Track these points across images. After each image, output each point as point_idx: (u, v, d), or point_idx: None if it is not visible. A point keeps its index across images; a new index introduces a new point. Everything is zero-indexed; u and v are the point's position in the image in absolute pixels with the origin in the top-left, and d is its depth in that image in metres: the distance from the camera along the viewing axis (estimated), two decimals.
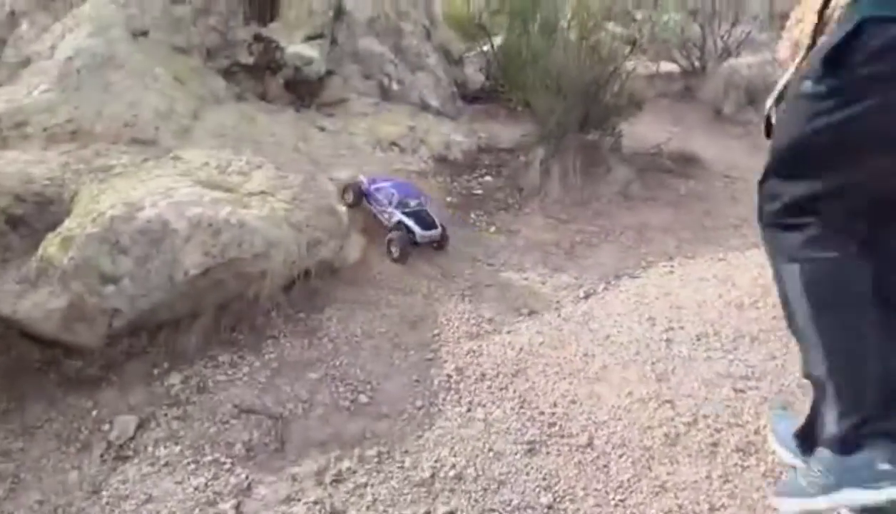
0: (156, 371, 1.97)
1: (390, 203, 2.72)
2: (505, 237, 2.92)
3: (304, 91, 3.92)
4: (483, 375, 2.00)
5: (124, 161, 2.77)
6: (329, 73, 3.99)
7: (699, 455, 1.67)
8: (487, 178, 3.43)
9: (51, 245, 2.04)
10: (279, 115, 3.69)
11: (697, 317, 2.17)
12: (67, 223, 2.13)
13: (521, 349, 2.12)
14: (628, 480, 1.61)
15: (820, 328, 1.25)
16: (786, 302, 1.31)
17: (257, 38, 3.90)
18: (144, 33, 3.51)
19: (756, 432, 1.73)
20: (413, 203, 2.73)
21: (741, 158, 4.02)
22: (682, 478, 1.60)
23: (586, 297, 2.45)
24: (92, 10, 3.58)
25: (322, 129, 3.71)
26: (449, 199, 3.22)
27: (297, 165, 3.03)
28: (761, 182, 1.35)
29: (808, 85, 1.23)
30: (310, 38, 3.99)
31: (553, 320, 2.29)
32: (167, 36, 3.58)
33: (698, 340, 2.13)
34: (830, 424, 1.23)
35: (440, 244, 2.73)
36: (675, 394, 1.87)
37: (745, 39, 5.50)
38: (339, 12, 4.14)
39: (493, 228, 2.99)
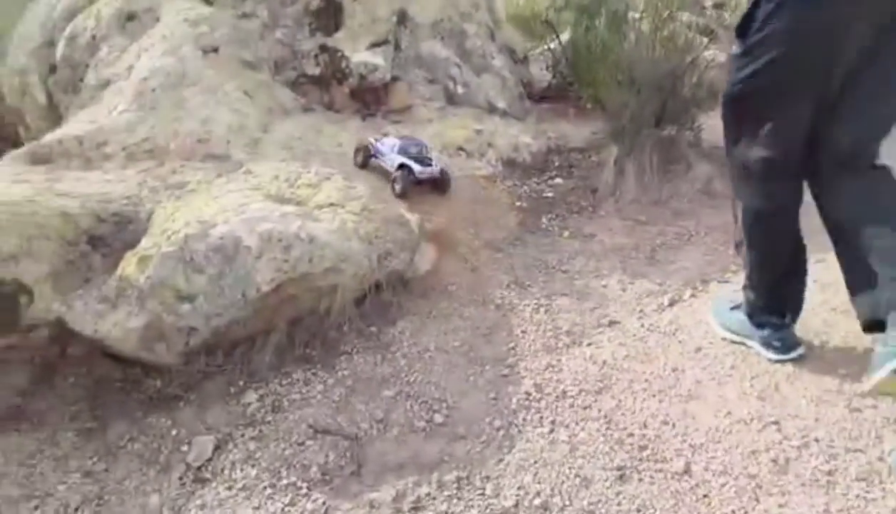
0: (232, 390, 1.96)
1: (392, 151, 2.94)
2: (580, 242, 2.79)
3: (370, 99, 3.90)
4: (564, 392, 1.88)
5: (199, 177, 2.81)
6: (394, 79, 3.95)
7: (814, 485, 1.49)
8: (558, 180, 3.30)
9: (129, 265, 2.07)
10: (346, 124, 3.68)
11: (800, 325, 1.97)
12: (144, 242, 2.16)
13: (603, 364, 1.99)
14: (733, 512, 1.46)
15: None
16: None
17: (323, 48, 3.92)
18: (215, 50, 3.58)
19: (879, 458, 1.54)
20: (413, 150, 2.92)
21: None
22: (796, 511, 1.44)
23: (671, 304, 2.28)
24: (165, 29, 3.68)
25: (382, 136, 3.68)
26: (519, 203, 3.10)
27: (364, 175, 3.00)
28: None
29: (733, 49, 1.66)
30: (374, 46, 3.96)
31: (637, 331, 2.14)
32: (236, 51, 3.64)
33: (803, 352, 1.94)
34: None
35: (440, 186, 2.93)
36: (781, 414, 1.70)
37: None
38: (403, 18, 4.10)
39: (566, 233, 2.86)
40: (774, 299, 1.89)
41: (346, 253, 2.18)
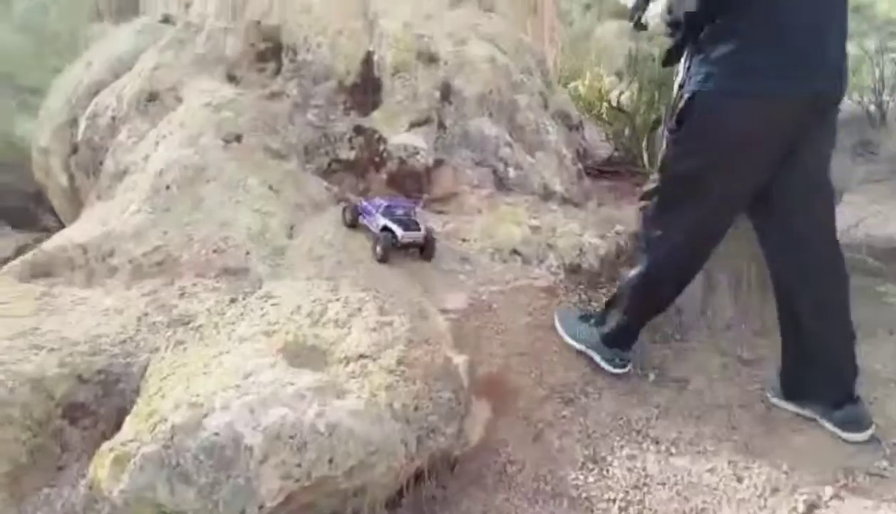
0: None
1: (377, 211, 2.84)
2: (669, 391, 2.23)
3: (410, 186, 3.46)
4: None
5: (209, 304, 2.39)
6: (437, 163, 3.51)
7: None
8: None
9: (101, 465, 1.62)
10: None
11: None
12: (126, 428, 1.72)
13: None
14: None
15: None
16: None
17: (358, 129, 3.51)
18: (238, 138, 3.20)
19: None
20: (399, 212, 2.82)
21: None
22: None
23: (809, 510, 1.71)
24: (185, 114, 3.33)
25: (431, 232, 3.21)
26: None
27: (403, 295, 2.53)
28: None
29: (667, 133, 1.94)
30: (415, 125, 3.54)
31: None
32: (262, 138, 3.25)
33: None
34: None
35: (425, 251, 2.83)
36: None
37: None
38: (447, 92, 3.67)
39: (651, 377, 2.31)
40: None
41: (378, 442, 1.69)
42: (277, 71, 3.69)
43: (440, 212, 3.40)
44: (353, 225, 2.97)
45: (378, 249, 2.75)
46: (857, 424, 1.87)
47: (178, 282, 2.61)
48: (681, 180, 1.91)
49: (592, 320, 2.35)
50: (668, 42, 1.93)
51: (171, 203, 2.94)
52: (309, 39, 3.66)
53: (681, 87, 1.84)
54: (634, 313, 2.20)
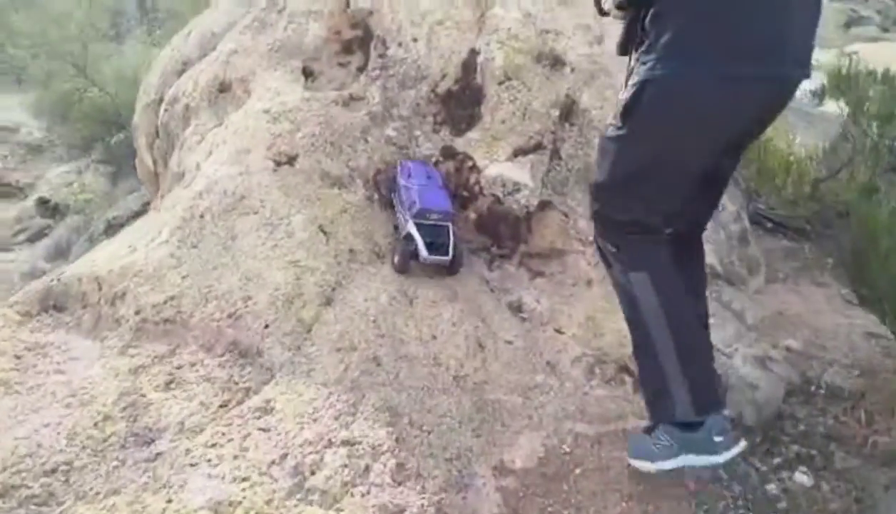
0: None
1: (409, 210, 2.40)
2: None
3: (504, 233, 2.66)
4: None
5: (190, 411, 1.82)
6: (543, 205, 2.66)
7: None
8: (801, 476, 1.79)
9: None
10: (455, 283, 2.48)
11: None
12: None
13: None
14: None
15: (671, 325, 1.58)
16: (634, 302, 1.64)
17: (447, 152, 2.74)
18: (292, 159, 2.57)
19: None
20: (434, 217, 2.38)
21: None
22: None
23: None
24: (240, 121, 2.75)
25: (516, 311, 2.41)
26: None
27: (443, 434, 1.79)
28: (594, 210, 1.77)
29: (610, 130, 1.65)
30: (521, 152, 2.70)
31: None
32: (321, 160, 2.59)
33: None
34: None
35: (451, 267, 2.44)
36: None
37: None
38: (569, 110, 2.77)
39: None
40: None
41: None
42: (362, 68, 3.00)
43: (535, 274, 2.57)
44: (388, 199, 2.60)
45: (396, 258, 2.40)
46: None
47: (178, 353, 2.08)
48: (628, 181, 1.63)
49: (654, 428, 1.67)
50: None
51: (201, 237, 2.39)
52: (403, 30, 2.91)
53: (626, 82, 1.60)
54: (671, 365, 1.59)
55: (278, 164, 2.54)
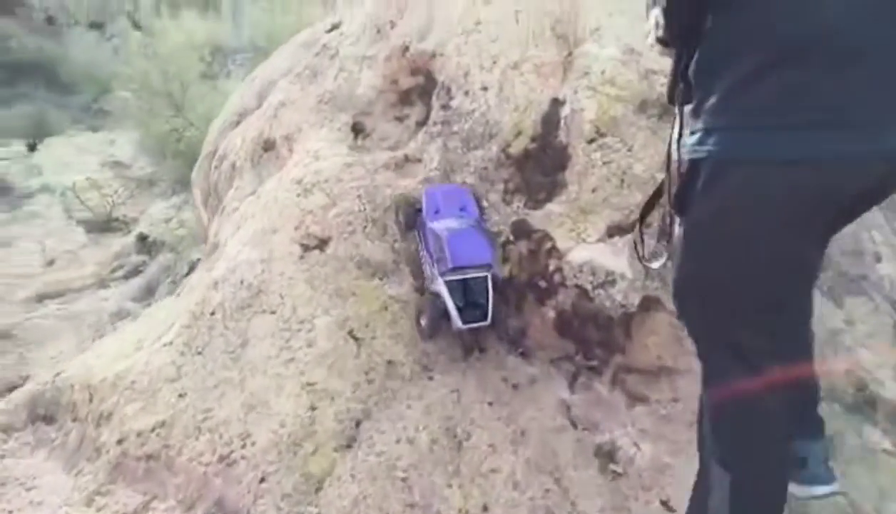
0: None
1: (439, 264, 1.88)
2: None
3: (592, 338, 2.02)
4: None
5: None
6: (648, 304, 1.99)
7: None
8: None
9: None
10: (523, 409, 1.86)
11: None
12: None
13: None
14: None
15: None
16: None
17: (520, 229, 2.15)
18: (322, 243, 2.07)
19: None
20: (472, 271, 1.87)
21: None
22: None
23: None
24: (270, 193, 2.30)
25: (607, 459, 1.75)
26: None
27: None
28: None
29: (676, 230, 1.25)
30: (616, 232, 2.05)
31: None
32: (358, 245, 2.08)
33: None
34: None
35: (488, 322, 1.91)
36: None
37: None
38: None
39: None
40: None
41: None
42: (422, 122, 2.48)
43: (636, 399, 1.90)
44: (410, 227, 2.14)
45: (423, 322, 1.95)
46: None
47: (151, 510, 1.60)
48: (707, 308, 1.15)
49: None
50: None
51: (208, 340, 1.95)
52: (471, 76, 2.36)
53: (671, 148, 1.20)
54: None
55: (306, 248, 2.05)
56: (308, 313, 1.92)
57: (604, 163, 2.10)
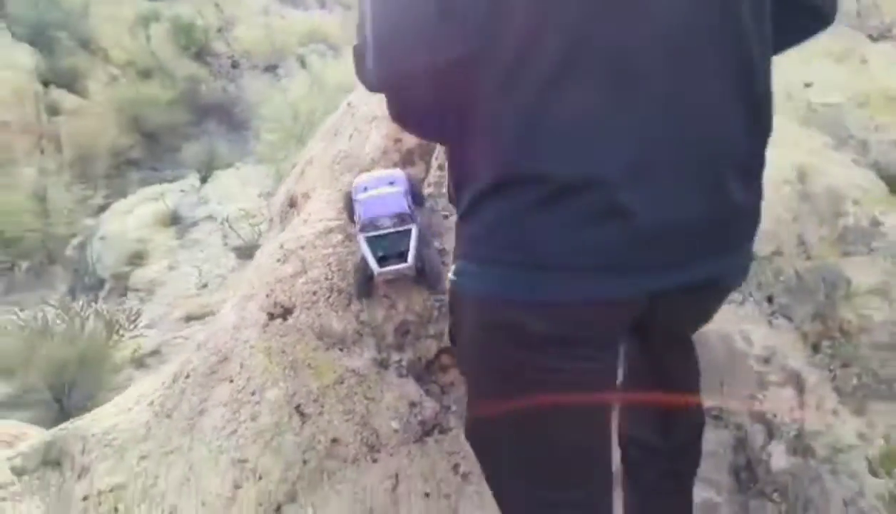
0: None
1: (358, 223, 1.98)
2: None
3: None
4: None
5: None
6: None
7: None
8: None
9: None
10: (465, 503, 1.70)
11: None
12: None
13: None
14: None
15: None
16: None
17: None
18: (287, 312, 2.08)
19: None
20: (388, 223, 1.95)
21: None
22: None
23: None
24: (259, 257, 2.37)
25: None
26: None
27: None
28: None
29: None
30: None
31: None
32: (321, 314, 2.05)
33: None
34: None
35: (426, 283, 2.04)
36: None
37: None
38: None
39: None
40: None
41: None
42: (421, 181, 2.40)
43: None
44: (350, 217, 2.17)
45: (353, 287, 2.06)
46: None
47: None
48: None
49: None
50: None
51: (177, 404, 2.04)
52: None
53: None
54: None
55: (271, 317, 2.07)
56: (259, 384, 1.93)
57: None
